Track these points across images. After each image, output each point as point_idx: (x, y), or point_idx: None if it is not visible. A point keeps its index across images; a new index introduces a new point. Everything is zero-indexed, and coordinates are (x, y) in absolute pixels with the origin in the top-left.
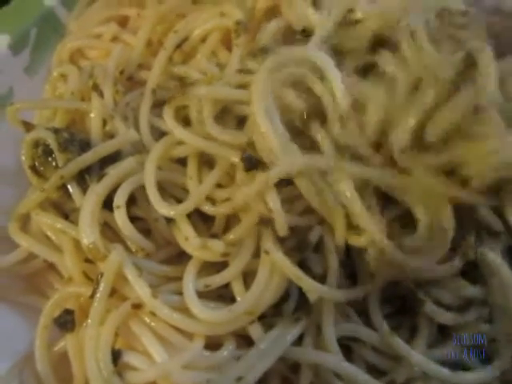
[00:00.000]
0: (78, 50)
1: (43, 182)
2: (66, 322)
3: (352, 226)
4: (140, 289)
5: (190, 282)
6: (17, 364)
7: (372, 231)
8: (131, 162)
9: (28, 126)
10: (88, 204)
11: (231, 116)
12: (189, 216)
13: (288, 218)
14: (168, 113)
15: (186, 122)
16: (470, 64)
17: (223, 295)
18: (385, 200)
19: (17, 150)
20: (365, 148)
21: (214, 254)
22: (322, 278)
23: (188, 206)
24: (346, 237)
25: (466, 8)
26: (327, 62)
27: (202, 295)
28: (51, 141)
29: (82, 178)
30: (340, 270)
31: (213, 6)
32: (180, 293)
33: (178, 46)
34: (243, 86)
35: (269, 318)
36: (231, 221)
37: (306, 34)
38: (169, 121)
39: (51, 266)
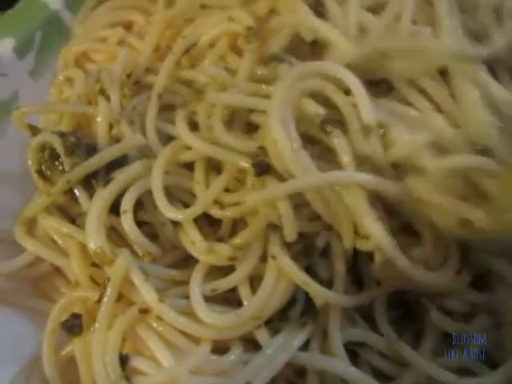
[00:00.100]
0: (83, 54)
1: (49, 186)
2: (74, 326)
3: (359, 232)
4: (147, 293)
5: (196, 287)
6: (24, 368)
7: (381, 243)
8: (138, 167)
9: (34, 130)
10: (95, 209)
11: (240, 122)
12: (195, 220)
13: (297, 224)
14: (181, 117)
15: (192, 127)
16: None
17: (230, 299)
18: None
19: (22, 154)
20: (383, 162)
21: (220, 258)
22: (328, 284)
23: (195, 210)
24: (353, 242)
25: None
26: (354, 79)
27: (209, 299)
28: (58, 145)
29: (89, 182)
30: (346, 275)
31: (221, 10)
32: (187, 297)
33: (187, 51)
34: (258, 95)
35: (275, 322)
36: (238, 225)
37: (318, 44)
38: (180, 125)
39: (58, 270)
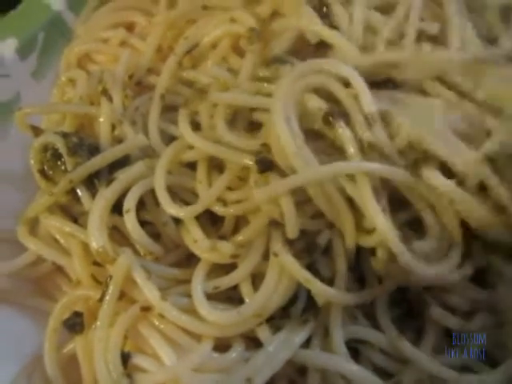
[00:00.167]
0: (85, 55)
1: (52, 186)
2: (75, 324)
3: (361, 229)
4: (149, 292)
5: (198, 284)
6: (26, 367)
7: (385, 232)
8: (141, 167)
9: (36, 131)
10: (97, 208)
11: (243, 121)
12: (197, 219)
13: (299, 221)
14: (183, 116)
15: (194, 127)
16: None
17: (232, 297)
18: (395, 205)
19: (25, 154)
20: (390, 150)
21: (222, 255)
22: (330, 281)
23: (198, 207)
24: (355, 239)
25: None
26: (352, 71)
27: (211, 297)
28: (60, 145)
29: (91, 182)
30: (348, 273)
31: (223, 12)
32: (189, 295)
33: (188, 52)
34: (260, 94)
35: (277, 320)
36: (240, 223)
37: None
38: (182, 124)
39: (59, 270)
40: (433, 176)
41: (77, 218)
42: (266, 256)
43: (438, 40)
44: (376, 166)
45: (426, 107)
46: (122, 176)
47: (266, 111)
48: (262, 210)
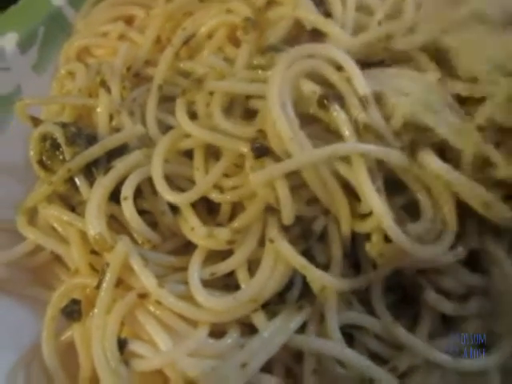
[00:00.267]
0: (85, 49)
1: (51, 176)
2: (73, 311)
3: (356, 215)
4: (146, 279)
5: (195, 272)
6: (24, 356)
7: (380, 213)
8: (138, 155)
9: (36, 122)
10: (95, 196)
11: (239, 109)
12: (194, 207)
13: (294, 207)
14: (180, 105)
15: (191, 116)
16: None
17: (228, 284)
18: (391, 189)
19: (25, 146)
20: (386, 130)
21: (219, 242)
22: (325, 267)
23: (195, 194)
24: (350, 225)
25: None
26: (344, 55)
27: (208, 285)
28: (59, 135)
29: (89, 171)
30: (344, 259)
31: (220, 3)
32: (186, 282)
33: (185, 43)
34: (256, 81)
35: (272, 305)
36: (236, 211)
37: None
38: (179, 113)
39: (58, 259)
40: (429, 159)
41: (75, 207)
42: (262, 242)
43: None
44: (371, 147)
45: (420, 81)
46: (120, 164)
47: (262, 98)
48: (258, 196)
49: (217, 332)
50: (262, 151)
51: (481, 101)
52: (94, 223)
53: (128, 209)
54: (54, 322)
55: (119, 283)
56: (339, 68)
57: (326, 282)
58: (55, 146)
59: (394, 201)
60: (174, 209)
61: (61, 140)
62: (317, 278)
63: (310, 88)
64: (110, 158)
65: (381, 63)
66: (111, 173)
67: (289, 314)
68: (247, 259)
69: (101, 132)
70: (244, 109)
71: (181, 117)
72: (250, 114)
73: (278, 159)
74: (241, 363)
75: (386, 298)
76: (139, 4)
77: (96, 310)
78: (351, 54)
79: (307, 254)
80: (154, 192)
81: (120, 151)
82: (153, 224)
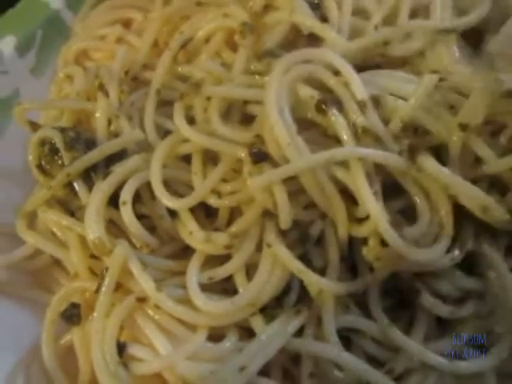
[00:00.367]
0: (83, 52)
1: (50, 181)
2: (72, 315)
3: (353, 219)
4: (145, 282)
5: (193, 276)
6: (24, 358)
7: (377, 217)
8: (137, 160)
9: (34, 126)
10: (94, 201)
11: (236, 114)
12: (192, 212)
13: (292, 211)
14: (178, 110)
15: (189, 121)
16: None
17: (227, 288)
18: (389, 194)
19: (24, 150)
20: (384, 133)
21: (217, 246)
22: (322, 271)
23: (193, 199)
24: (347, 229)
25: None
26: (341, 60)
27: (206, 288)
28: (57, 139)
29: (88, 175)
30: (341, 263)
31: (217, 7)
32: (184, 287)
33: (183, 47)
34: (253, 86)
35: (270, 309)
36: (234, 215)
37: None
38: (178, 118)
39: (57, 263)
40: (428, 162)
41: (74, 212)
42: (259, 247)
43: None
44: (369, 151)
45: (417, 84)
46: (119, 169)
47: (260, 103)
48: (255, 201)
49: (215, 336)
50: (260, 156)
51: None
52: (93, 228)
53: (127, 213)
54: (54, 325)
55: (118, 287)
56: (336, 73)
57: (323, 285)
58: (54, 150)
59: (391, 205)
60: (173, 213)
61: (59, 145)
62: (314, 281)
63: (308, 93)
64: (108, 162)
65: (377, 67)
66: (110, 178)
67: (286, 318)
68: (245, 264)
69: (99, 137)
70: (242, 114)
71: (179, 122)
72: (247, 120)
73: (275, 164)
74: (239, 367)
75: (382, 301)
76: (137, 7)
77: (95, 314)
78: (347, 59)
79: (304, 258)
80: (153, 197)
81: (119, 156)
82: (151, 228)
